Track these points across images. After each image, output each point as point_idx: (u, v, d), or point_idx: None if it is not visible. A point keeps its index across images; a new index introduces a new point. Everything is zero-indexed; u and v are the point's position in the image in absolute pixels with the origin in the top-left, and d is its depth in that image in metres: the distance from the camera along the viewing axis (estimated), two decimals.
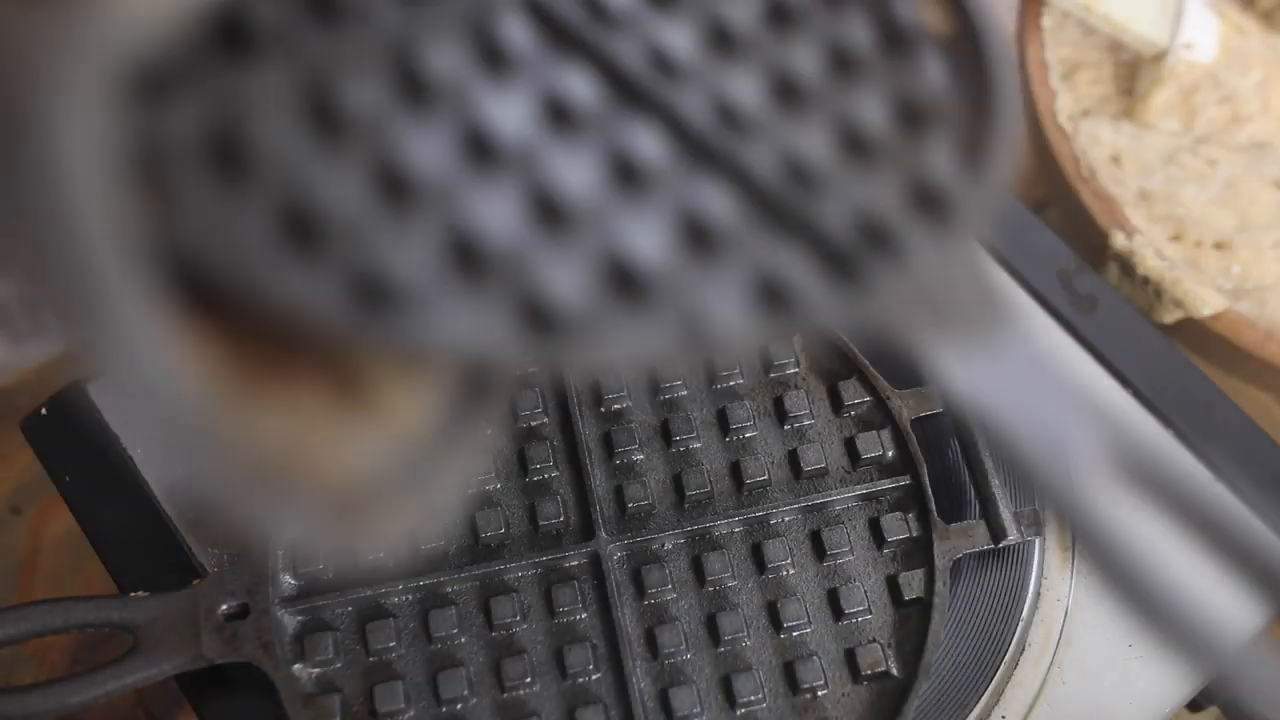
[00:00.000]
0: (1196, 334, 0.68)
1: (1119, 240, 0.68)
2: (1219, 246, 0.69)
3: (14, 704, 0.48)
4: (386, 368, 0.24)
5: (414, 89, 0.23)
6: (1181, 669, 0.53)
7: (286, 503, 0.22)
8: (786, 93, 0.26)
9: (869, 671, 0.51)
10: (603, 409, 0.57)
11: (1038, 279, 0.60)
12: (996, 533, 0.53)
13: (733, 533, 0.54)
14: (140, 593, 0.51)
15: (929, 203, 0.26)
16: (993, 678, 0.53)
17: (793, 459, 0.56)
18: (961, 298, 0.26)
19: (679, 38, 0.26)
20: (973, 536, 0.53)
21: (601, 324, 0.23)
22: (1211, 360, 0.69)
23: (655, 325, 0.23)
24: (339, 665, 0.51)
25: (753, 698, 0.51)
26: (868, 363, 0.57)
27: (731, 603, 0.53)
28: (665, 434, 0.56)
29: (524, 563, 0.53)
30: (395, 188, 0.22)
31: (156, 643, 0.50)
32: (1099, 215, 0.69)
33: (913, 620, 0.52)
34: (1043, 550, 0.55)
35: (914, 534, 0.54)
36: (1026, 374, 0.26)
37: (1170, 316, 0.67)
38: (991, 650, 0.53)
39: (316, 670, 0.51)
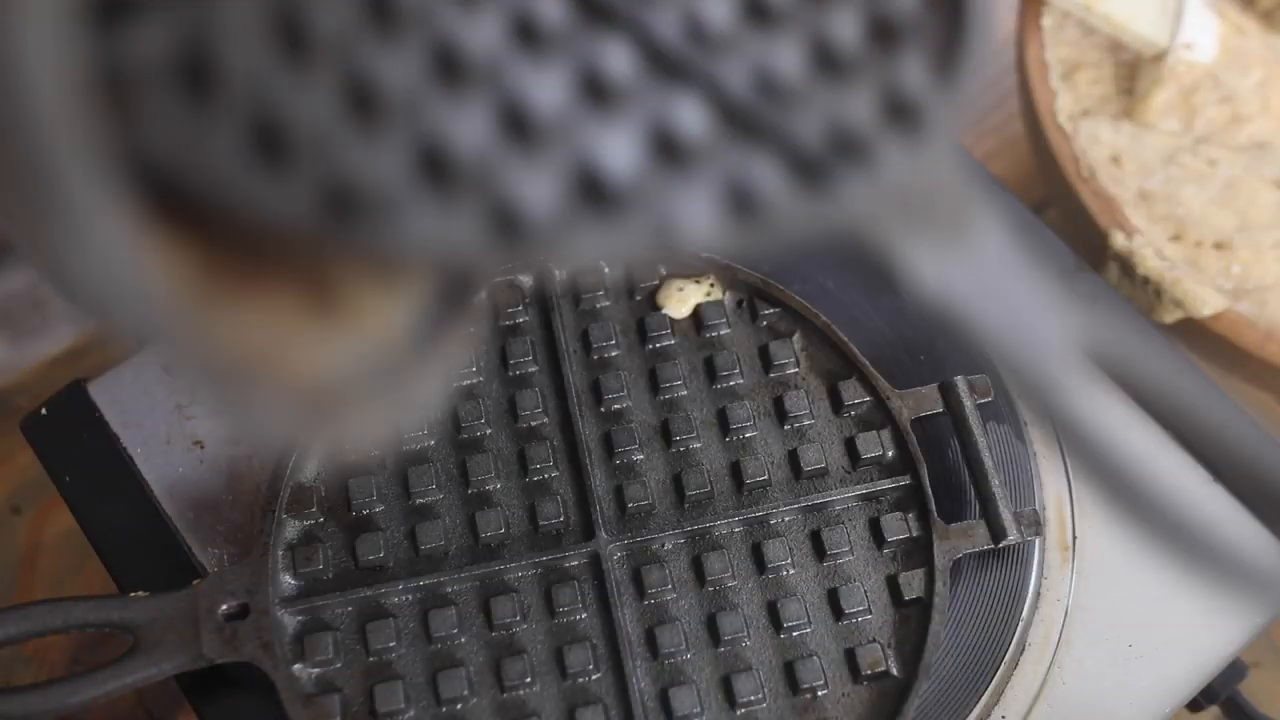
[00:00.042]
0: (1196, 334, 0.68)
1: (1119, 240, 0.68)
2: (1219, 246, 0.69)
3: (14, 704, 0.48)
4: (359, 275, 0.25)
5: (381, 6, 0.24)
6: (1179, 670, 0.53)
7: (258, 397, 0.23)
8: (758, 10, 0.27)
9: (869, 671, 0.51)
10: (603, 409, 0.57)
11: None
12: (996, 533, 0.53)
13: (733, 533, 0.54)
14: (140, 593, 0.51)
15: (900, 113, 0.26)
16: (993, 678, 0.53)
17: (793, 459, 0.56)
18: (933, 203, 0.26)
19: None
20: (973, 536, 0.53)
21: (572, 230, 0.23)
22: (1211, 360, 0.69)
23: (625, 231, 0.24)
24: (339, 665, 0.51)
25: (753, 698, 0.51)
26: (867, 363, 0.57)
27: (731, 603, 0.53)
28: (665, 434, 0.57)
29: (524, 563, 0.53)
30: (363, 102, 0.23)
31: (156, 643, 0.50)
32: (1099, 215, 0.69)
33: (913, 620, 0.52)
34: (1043, 550, 0.55)
35: (914, 534, 0.54)
36: (999, 272, 0.27)
37: (1170, 316, 0.67)
38: (991, 650, 0.53)
39: (316, 670, 0.51)
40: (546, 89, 0.24)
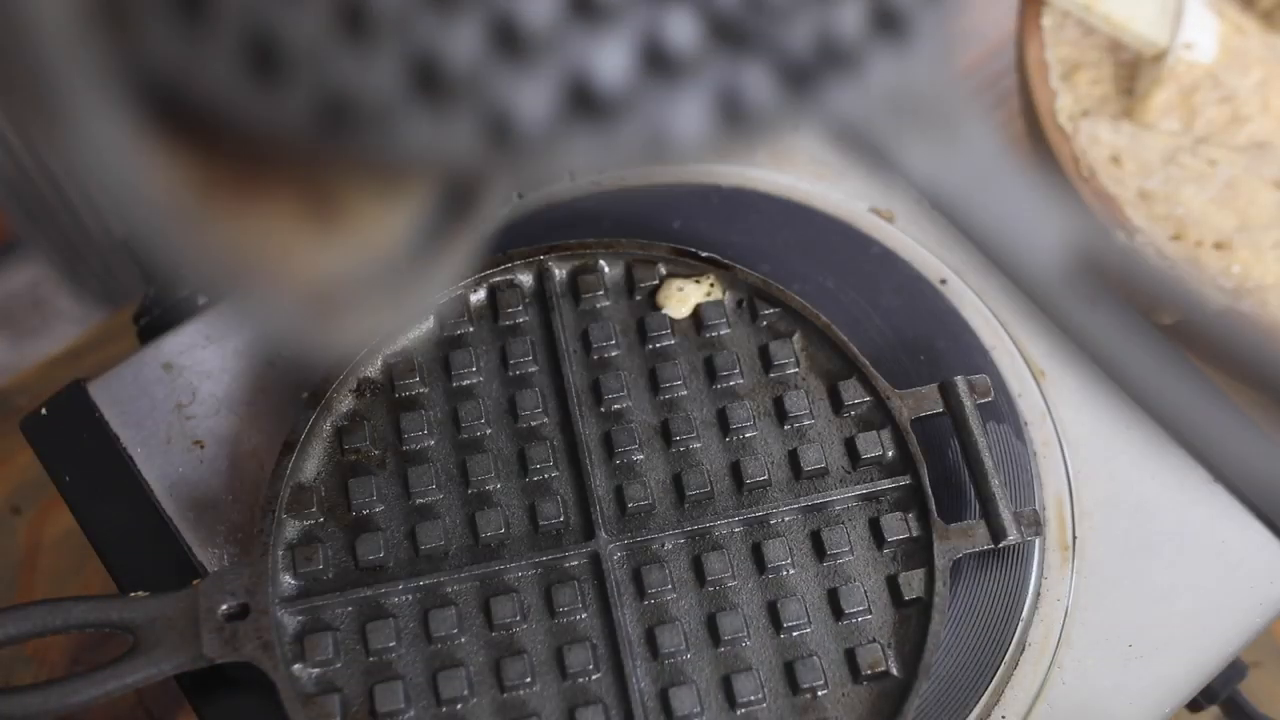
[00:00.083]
0: (1196, 334, 0.67)
1: (1119, 240, 0.68)
2: (1219, 246, 0.69)
3: (14, 704, 0.48)
4: (359, 185, 0.26)
5: None
6: (1179, 670, 0.53)
7: (258, 295, 0.25)
8: None
9: (869, 671, 0.51)
10: (603, 409, 0.57)
11: None
12: (996, 533, 0.53)
13: (733, 533, 0.54)
14: (140, 593, 0.51)
15: (888, 21, 0.27)
16: (993, 678, 0.53)
17: (793, 459, 0.56)
18: (923, 107, 0.27)
19: None
20: (973, 536, 0.53)
21: (565, 138, 0.24)
22: (1211, 360, 0.69)
23: (618, 139, 0.24)
24: (339, 665, 0.51)
25: (753, 698, 0.51)
26: (867, 363, 0.57)
27: (731, 603, 0.53)
28: (665, 434, 0.56)
29: (524, 563, 0.53)
30: (356, 17, 0.23)
31: (156, 643, 0.50)
32: (1099, 215, 0.69)
33: (913, 620, 0.52)
34: (1043, 550, 0.55)
35: (914, 534, 0.54)
36: (991, 168, 0.28)
37: (1170, 316, 0.67)
38: (991, 650, 0.53)
39: (316, 670, 0.51)
40: (538, 1, 0.24)
